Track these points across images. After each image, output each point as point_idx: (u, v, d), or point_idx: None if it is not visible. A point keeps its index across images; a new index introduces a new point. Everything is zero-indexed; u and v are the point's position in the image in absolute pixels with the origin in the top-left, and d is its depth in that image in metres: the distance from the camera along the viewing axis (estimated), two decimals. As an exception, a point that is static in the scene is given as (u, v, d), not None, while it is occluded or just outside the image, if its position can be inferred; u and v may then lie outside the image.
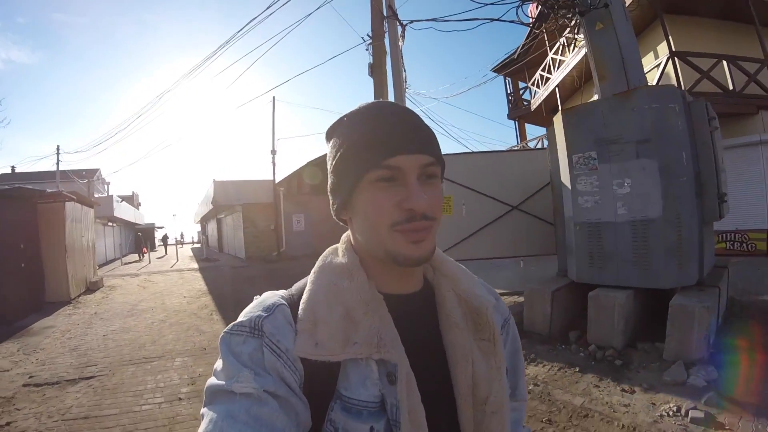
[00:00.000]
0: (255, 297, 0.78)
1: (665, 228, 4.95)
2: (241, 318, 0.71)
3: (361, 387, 0.68)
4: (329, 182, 0.79)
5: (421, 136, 0.71)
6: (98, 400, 4.54)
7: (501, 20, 6.74)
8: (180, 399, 4.52)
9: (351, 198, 0.73)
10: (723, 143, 9.67)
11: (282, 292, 0.78)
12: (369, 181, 0.69)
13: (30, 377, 5.28)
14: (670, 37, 10.26)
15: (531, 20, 7.42)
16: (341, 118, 0.78)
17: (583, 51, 9.41)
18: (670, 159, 4.86)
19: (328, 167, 0.78)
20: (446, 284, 0.83)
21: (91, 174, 35.15)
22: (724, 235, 10.31)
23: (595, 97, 6.09)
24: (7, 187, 10.27)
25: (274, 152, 21.17)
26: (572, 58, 12.81)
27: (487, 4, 6.84)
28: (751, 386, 3.87)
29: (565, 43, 13.72)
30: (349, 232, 0.84)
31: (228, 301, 10.03)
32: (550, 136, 6.39)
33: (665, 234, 4.93)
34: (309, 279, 0.78)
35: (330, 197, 0.80)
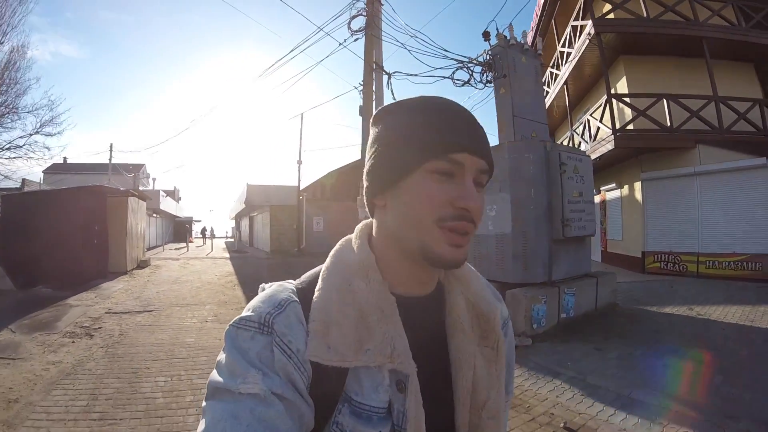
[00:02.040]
0: (260, 288, 0.77)
1: (514, 240, 6.76)
2: (248, 312, 0.69)
3: (374, 393, 0.68)
4: (370, 163, 0.76)
5: (485, 141, 0.71)
6: (156, 320, 7.63)
7: (450, 78, 9.59)
8: (207, 321, 7.57)
9: (398, 183, 0.71)
10: (658, 175, 12.05)
11: (291, 285, 0.76)
12: (426, 170, 0.68)
13: (109, 309, 8.41)
14: (609, 81, 12.34)
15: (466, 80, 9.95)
16: (398, 103, 0.76)
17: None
18: (520, 194, 6.92)
19: (372, 148, 0.76)
20: (458, 288, 0.83)
21: (137, 168, 39.59)
22: (659, 255, 12.26)
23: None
24: (90, 184, 13.76)
25: (300, 162, 24.71)
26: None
27: (438, 68, 9.71)
28: (541, 353, 5.69)
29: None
30: (366, 223, 0.84)
31: (248, 280, 13.19)
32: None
33: (514, 245, 6.77)
34: (321, 275, 0.76)
35: (366, 179, 0.77)
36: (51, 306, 8.47)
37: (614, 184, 14.78)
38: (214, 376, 0.65)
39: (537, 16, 18.09)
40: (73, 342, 6.10)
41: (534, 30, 17.85)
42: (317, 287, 0.73)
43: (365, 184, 0.77)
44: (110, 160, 31.33)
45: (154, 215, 31.41)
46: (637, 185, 13.13)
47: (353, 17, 11.09)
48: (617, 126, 11.95)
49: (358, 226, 0.83)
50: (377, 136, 0.76)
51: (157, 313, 8.22)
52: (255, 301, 0.72)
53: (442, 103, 0.72)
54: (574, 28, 14.14)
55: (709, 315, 7.40)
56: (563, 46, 15.60)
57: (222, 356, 0.67)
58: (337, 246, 0.82)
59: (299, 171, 24.36)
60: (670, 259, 12.04)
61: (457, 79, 9.53)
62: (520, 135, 8.08)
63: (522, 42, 8.58)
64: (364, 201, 0.80)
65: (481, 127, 0.73)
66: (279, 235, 25.00)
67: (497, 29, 8.84)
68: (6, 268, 10.72)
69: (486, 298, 0.84)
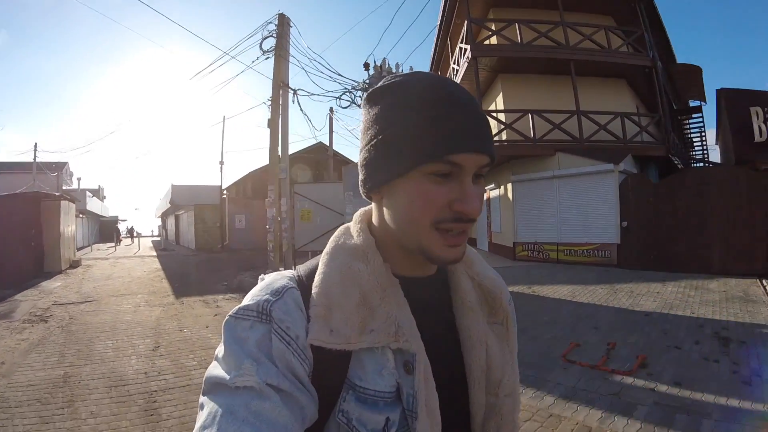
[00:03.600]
0: (260, 278, 0.78)
1: None
2: (247, 301, 0.70)
3: (378, 377, 0.68)
4: (365, 155, 0.73)
5: (486, 133, 0.68)
6: (97, 307, 9.43)
7: (338, 99, 11.84)
8: (140, 306, 9.49)
9: (393, 181, 0.70)
10: (525, 177, 14.64)
11: (289, 274, 0.77)
12: (422, 172, 0.66)
13: (54, 302, 10.08)
14: (481, 99, 15.09)
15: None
16: (397, 82, 0.72)
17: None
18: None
19: (367, 136, 0.73)
20: (461, 267, 0.84)
21: (60, 167, 39.61)
22: (526, 245, 14.88)
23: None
24: (26, 191, 15.18)
25: (222, 163, 26.78)
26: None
27: (330, 91, 11.91)
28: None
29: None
30: (365, 210, 0.84)
31: (174, 274, 15.05)
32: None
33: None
34: (321, 260, 0.76)
35: (362, 171, 0.74)
36: (2, 302, 10.03)
37: (493, 185, 17.43)
38: (211, 370, 0.65)
39: (437, 34, 20.57)
40: (32, 326, 7.84)
41: (434, 46, 20.41)
42: (317, 272, 0.74)
43: (360, 175, 0.75)
44: (35, 159, 31.88)
45: (81, 215, 32.22)
46: (509, 186, 15.65)
47: (265, 38, 13.05)
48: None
49: (357, 213, 0.84)
50: (371, 122, 0.72)
51: (97, 302, 9.98)
52: (253, 291, 0.72)
53: (442, 91, 0.67)
54: (461, 49, 16.62)
55: (540, 292, 9.75)
56: (455, 63, 18.08)
57: (220, 348, 0.67)
58: (337, 232, 0.82)
59: (221, 171, 26.45)
60: (535, 248, 14.67)
61: (344, 100, 11.78)
62: None
63: (396, 71, 10.85)
64: (360, 190, 0.77)
65: (483, 117, 0.69)
66: (203, 233, 26.83)
67: (375, 61, 11.13)
68: (-50, 270, 12.14)
69: (490, 276, 0.86)
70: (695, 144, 24.71)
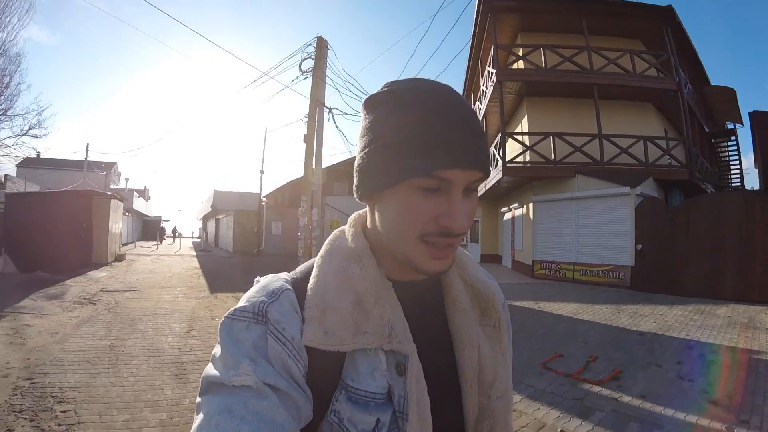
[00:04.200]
0: (256, 280, 0.79)
1: None
2: (243, 303, 0.71)
3: (369, 378, 0.70)
4: (359, 161, 0.74)
5: (480, 148, 0.68)
6: (139, 295, 10.53)
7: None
8: (178, 297, 10.56)
9: (383, 191, 0.71)
10: (545, 198, 15.18)
11: (285, 276, 0.79)
12: (410, 185, 0.67)
13: (102, 289, 11.25)
14: (504, 121, 15.48)
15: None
16: (394, 90, 0.72)
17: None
18: None
19: (362, 142, 0.74)
20: (453, 270, 0.85)
21: (109, 167, 42.12)
22: (544, 263, 15.34)
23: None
24: (78, 188, 16.65)
25: (262, 172, 28.11)
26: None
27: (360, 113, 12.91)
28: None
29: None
30: (360, 213, 0.86)
31: (211, 273, 16.23)
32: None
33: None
34: (316, 263, 0.79)
35: (356, 176, 0.76)
36: (54, 285, 11.24)
37: (517, 204, 17.96)
38: (209, 369, 0.66)
39: (468, 56, 21.30)
40: (82, 306, 8.93)
41: (467, 67, 21.20)
42: (312, 274, 0.76)
43: (355, 180, 0.76)
44: (86, 158, 33.79)
45: (127, 214, 34.12)
46: (531, 206, 16.14)
47: (304, 59, 14.09)
48: (507, 158, 15.17)
49: (352, 216, 0.86)
50: (366, 129, 0.73)
51: (140, 291, 11.11)
52: (249, 293, 0.74)
53: (436, 104, 0.67)
54: (489, 72, 17.32)
55: (545, 308, 10.18)
56: (484, 85, 18.80)
57: (217, 349, 0.69)
58: (331, 236, 0.84)
59: (261, 180, 27.71)
60: (552, 267, 15.13)
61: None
62: None
63: None
64: (354, 194, 0.79)
65: (477, 131, 0.68)
66: (241, 237, 28.24)
67: None
68: (10, 254, 13.51)
69: (482, 279, 0.87)
70: (733, 168, 24.05)
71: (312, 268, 0.79)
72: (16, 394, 4.36)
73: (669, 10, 16.00)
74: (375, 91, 0.75)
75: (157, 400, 4.46)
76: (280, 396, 0.63)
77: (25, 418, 3.87)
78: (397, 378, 0.71)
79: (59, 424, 3.79)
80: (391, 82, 0.74)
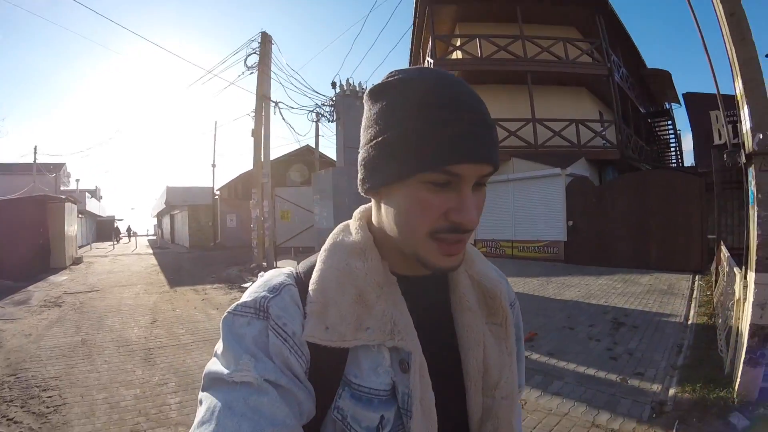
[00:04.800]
0: (260, 275, 0.79)
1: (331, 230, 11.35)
2: (245, 298, 0.72)
3: (373, 374, 0.70)
4: (364, 154, 0.73)
5: (491, 141, 0.67)
6: (102, 295, 11.16)
7: (312, 112, 13.59)
8: (139, 293, 11.25)
9: (390, 186, 0.70)
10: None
11: (288, 271, 0.79)
12: (419, 180, 0.66)
13: (64, 291, 11.79)
14: None
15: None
16: (401, 78, 0.70)
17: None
18: (339, 201, 10.68)
19: (367, 135, 0.72)
20: (461, 266, 0.81)
21: (58, 168, 41.50)
22: (486, 242, 16.31)
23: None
24: (29, 192, 16.98)
25: (213, 165, 28.64)
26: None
27: (304, 106, 13.71)
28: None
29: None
30: (366, 207, 0.85)
31: (169, 269, 16.95)
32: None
33: (327, 233, 11.43)
34: (319, 258, 0.78)
35: (360, 170, 0.74)
36: (17, 292, 11.67)
37: None
38: (210, 365, 0.67)
39: (410, 49, 22.10)
40: (49, 309, 9.51)
41: (409, 59, 22.09)
42: (315, 269, 0.75)
43: (359, 174, 0.75)
44: (35, 161, 33.56)
45: (80, 216, 34.08)
46: None
47: (249, 55, 14.76)
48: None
49: (357, 210, 0.85)
50: (372, 121, 0.71)
51: (102, 291, 11.73)
52: (252, 288, 0.74)
53: (445, 95, 0.65)
54: (428, 63, 18.09)
55: None
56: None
57: (219, 345, 0.69)
58: (336, 230, 0.83)
59: (213, 173, 28.23)
60: (493, 245, 16.19)
61: (318, 114, 13.54)
62: (349, 159, 11.57)
63: (358, 90, 12.38)
64: (359, 189, 0.77)
65: (488, 123, 0.68)
66: (197, 232, 28.81)
67: (340, 81, 12.74)
68: (-32, 266, 13.92)
69: (489, 276, 0.86)
70: (672, 146, 25.38)
71: (315, 261, 0.79)
72: (4, 388, 5.04)
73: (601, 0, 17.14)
74: (380, 81, 0.73)
75: (130, 380, 5.26)
76: (280, 392, 0.63)
77: (16, 406, 4.58)
78: (401, 375, 0.70)
79: (47, 407, 4.53)
80: (397, 71, 0.72)
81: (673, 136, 25.28)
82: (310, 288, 0.73)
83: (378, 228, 0.79)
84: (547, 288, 10.25)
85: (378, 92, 0.71)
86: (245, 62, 14.79)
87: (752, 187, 4.30)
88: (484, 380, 0.79)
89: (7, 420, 4.25)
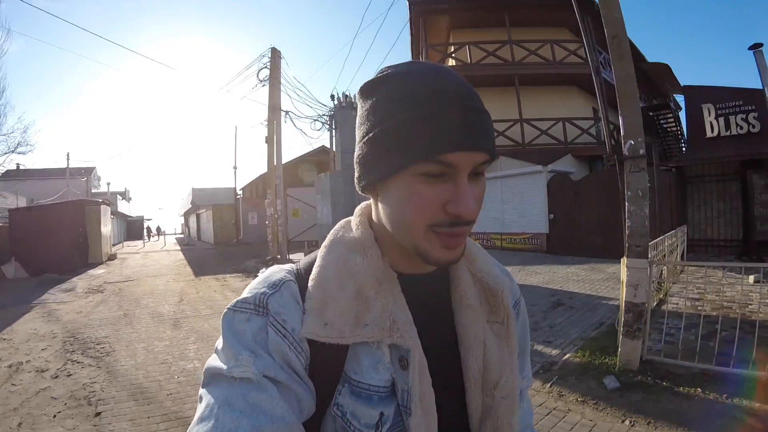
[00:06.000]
0: (260, 271, 0.79)
1: (332, 227, 12.81)
2: (245, 294, 0.72)
3: (373, 371, 0.70)
4: (358, 152, 0.73)
5: (483, 128, 0.67)
6: (137, 283, 13.25)
7: (316, 121, 15.49)
8: (169, 282, 13.36)
9: (385, 181, 0.70)
10: None
11: (289, 267, 0.79)
12: (413, 172, 0.65)
13: (104, 281, 13.92)
14: None
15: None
16: (391, 74, 0.71)
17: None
18: (336, 200, 12.23)
19: (360, 132, 0.72)
20: (462, 262, 0.83)
21: (89, 172, 44.34)
22: (477, 234, 17.54)
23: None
24: (63, 196, 19.43)
25: (235, 168, 31.01)
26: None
27: (308, 116, 15.62)
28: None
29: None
30: (366, 203, 0.85)
31: (194, 262, 19.13)
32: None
33: (328, 228, 12.93)
34: (319, 254, 0.79)
35: (356, 167, 0.75)
36: (63, 283, 13.79)
37: None
38: (210, 361, 0.68)
39: (411, 57, 23.40)
40: (93, 294, 11.56)
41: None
42: (315, 265, 0.76)
43: (356, 172, 0.75)
44: (67, 166, 36.18)
45: (113, 216, 36.76)
46: None
47: (260, 69, 16.56)
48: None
49: (359, 207, 0.86)
50: (364, 117, 0.72)
51: (137, 281, 13.87)
52: (252, 284, 0.75)
53: (436, 85, 0.66)
54: None
55: None
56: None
57: (219, 341, 0.70)
58: (336, 226, 0.84)
59: (235, 175, 30.49)
60: (484, 238, 17.59)
61: (320, 122, 15.42)
62: (345, 163, 13.04)
63: (353, 102, 14.10)
64: (356, 187, 0.77)
65: (481, 112, 0.67)
66: (221, 229, 31.02)
67: (338, 93, 14.49)
68: (20, 262, 16.19)
69: (492, 273, 0.85)
70: (680, 138, 26.07)
71: (315, 257, 0.80)
72: (67, 343, 7.00)
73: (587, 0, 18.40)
74: (371, 77, 0.73)
75: (161, 337, 7.20)
76: (280, 388, 0.64)
77: (78, 353, 6.49)
78: (401, 372, 0.70)
79: (101, 353, 6.43)
80: (388, 67, 0.72)
81: (674, 127, 26.03)
82: (309, 284, 0.74)
83: (378, 224, 0.78)
84: (516, 275, 11.04)
85: (368, 89, 0.72)
86: (257, 75, 16.43)
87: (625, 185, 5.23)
88: (484, 379, 0.79)
89: (72, 361, 6.12)
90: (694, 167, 14.99)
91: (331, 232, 0.83)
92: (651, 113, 25.57)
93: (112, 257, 21.74)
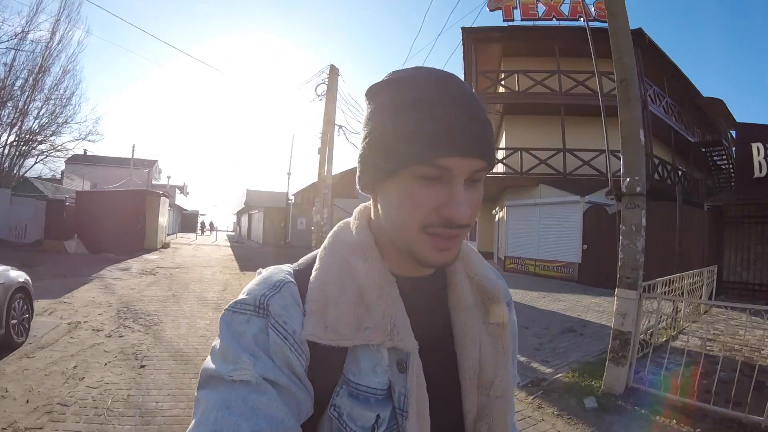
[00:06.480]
0: (258, 271, 0.78)
1: None
2: (243, 295, 0.71)
3: (371, 374, 0.70)
4: (360, 152, 0.75)
5: (482, 136, 0.67)
6: (187, 271, 14.46)
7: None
8: (216, 273, 14.53)
9: (383, 182, 0.71)
10: (515, 203, 18.32)
11: (288, 268, 0.78)
12: (410, 174, 0.67)
13: (157, 266, 15.11)
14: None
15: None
16: (396, 78, 0.73)
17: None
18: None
19: (363, 133, 0.75)
20: (459, 266, 0.85)
21: (151, 164, 46.90)
22: (513, 259, 18.06)
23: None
24: (126, 184, 21.12)
25: (289, 174, 33.04)
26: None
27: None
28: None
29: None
30: (365, 205, 0.85)
31: (242, 258, 20.38)
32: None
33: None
34: (319, 255, 0.79)
35: (358, 166, 0.76)
36: (120, 263, 15.15)
37: (498, 207, 21.01)
38: (207, 363, 0.67)
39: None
40: (146, 276, 12.73)
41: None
42: (315, 267, 0.76)
43: (357, 172, 0.77)
44: (132, 157, 38.44)
45: (169, 208, 38.72)
46: (505, 210, 19.03)
47: (318, 84, 17.57)
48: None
49: (357, 208, 0.86)
50: (368, 119, 0.74)
51: (187, 268, 15.10)
52: (251, 285, 0.73)
53: (437, 91, 0.67)
54: None
55: None
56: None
57: (216, 342, 0.69)
58: (336, 228, 0.84)
59: (288, 181, 32.04)
60: (519, 262, 17.85)
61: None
62: None
63: None
64: (357, 186, 0.79)
65: (481, 119, 0.68)
66: (270, 231, 32.31)
67: None
68: (82, 239, 17.72)
69: (488, 276, 0.87)
70: (732, 176, 24.69)
71: (315, 258, 0.79)
72: (120, 312, 8.04)
73: (639, 33, 18.10)
74: (378, 81, 0.75)
75: (203, 316, 8.15)
76: (279, 391, 0.63)
77: (130, 320, 7.49)
78: (399, 375, 0.70)
79: (149, 323, 7.40)
80: (395, 71, 0.74)
81: (725, 164, 25.04)
82: (310, 285, 0.73)
83: (377, 226, 0.79)
84: (539, 300, 11.47)
85: (374, 92, 0.74)
86: (315, 90, 17.29)
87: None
88: (479, 379, 0.79)
89: (124, 326, 7.10)
90: (734, 207, 14.57)
91: (331, 233, 0.84)
92: (703, 149, 25.05)
93: (166, 246, 23.24)
